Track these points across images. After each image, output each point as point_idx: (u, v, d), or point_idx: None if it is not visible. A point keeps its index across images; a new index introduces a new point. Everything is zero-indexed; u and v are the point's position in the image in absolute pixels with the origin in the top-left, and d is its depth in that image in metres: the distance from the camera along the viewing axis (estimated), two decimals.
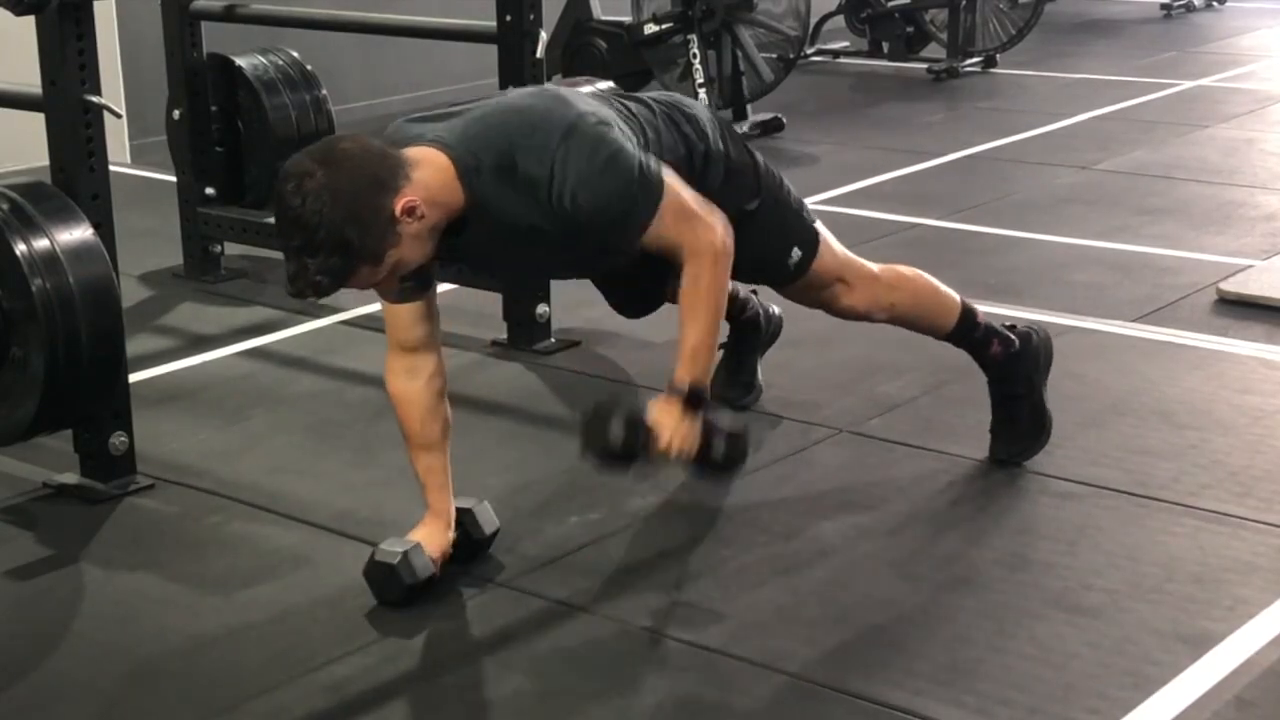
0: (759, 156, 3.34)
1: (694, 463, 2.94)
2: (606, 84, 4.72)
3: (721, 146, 3.21)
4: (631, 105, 3.14)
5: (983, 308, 3.60)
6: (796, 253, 3.33)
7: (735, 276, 3.75)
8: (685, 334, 2.96)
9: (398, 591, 2.98)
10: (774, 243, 3.32)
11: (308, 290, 2.72)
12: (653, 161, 2.91)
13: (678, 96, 3.30)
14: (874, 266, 3.46)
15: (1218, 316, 4.61)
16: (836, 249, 3.41)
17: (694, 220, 2.95)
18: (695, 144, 3.15)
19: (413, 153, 2.80)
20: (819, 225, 3.39)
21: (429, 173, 2.78)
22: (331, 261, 2.68)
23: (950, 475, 3.56)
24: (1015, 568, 3.15)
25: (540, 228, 2.86)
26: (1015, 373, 3.54)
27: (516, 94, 3.01)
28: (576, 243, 2.94)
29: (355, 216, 2.66)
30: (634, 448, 2.81)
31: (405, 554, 2.98)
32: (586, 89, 3.27)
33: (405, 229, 2.73)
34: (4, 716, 2.69)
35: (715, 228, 2.97)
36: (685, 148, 3.13)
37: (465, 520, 3.15)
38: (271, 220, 4.91)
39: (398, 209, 2.71)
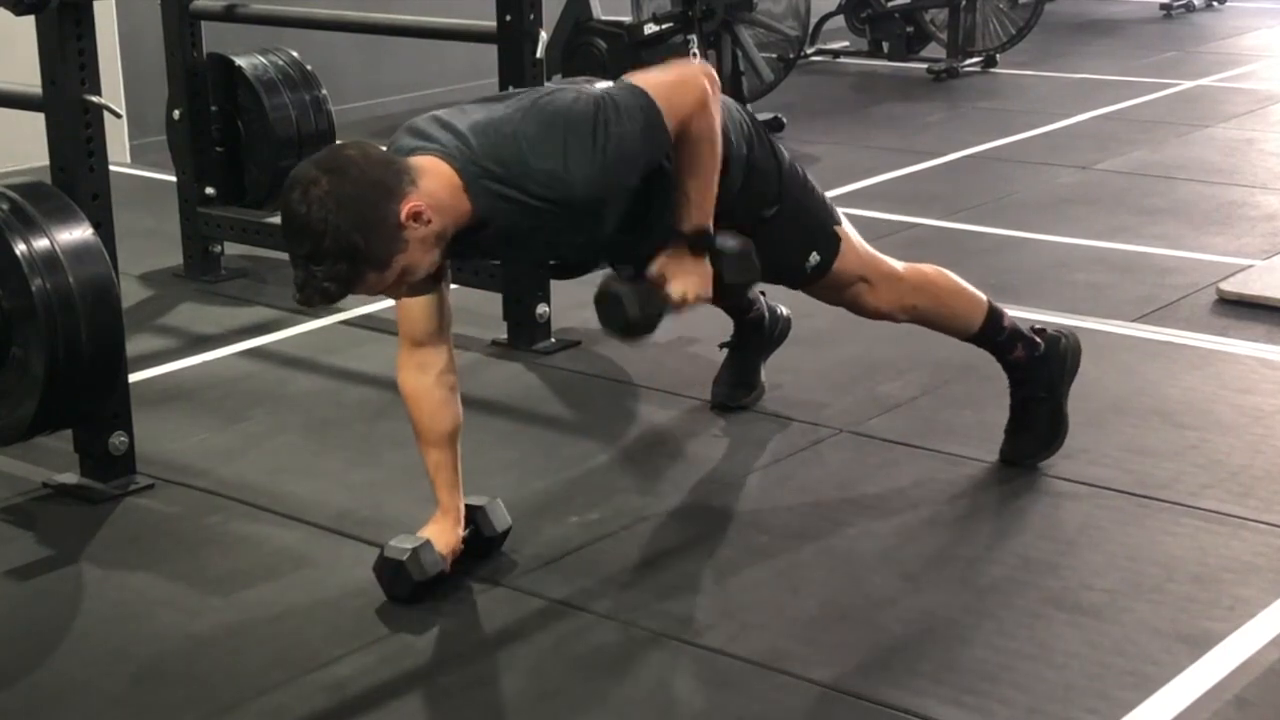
0: (785, 159, 3.31)
1: (715, 294, 2.95)
2: (605, 84, 4.74)
3: (745, 151, 3.19)
4: None
5: None
6: (815, 257, 3.32)
7: None
8: (684, 184, 2.94)
9: (406, 588, 2.98)
10: (792, 247, 3.31)
11: (316, 297, 2.73)
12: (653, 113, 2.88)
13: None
14: (899, 266, 3.44)
15: (1218, 316, 4.61)
16: (860, 249, 3.39)
17: (677, 84, 2.91)
18: None
19: (418, 160, 2.79)
20: (844, 226, 3.37)
21: (434, 182, 2.77)
22: (338, 268, 2.68)
23: (950, 475, 3.56)
24: (1015, 568, 3.15)
25: (549, 223, 2.85)
26: (1037, 377, 3.52)
27: (527, 97, 2.93)
28: (602, 209, 2.91)
29: (361, 223, 2.66)
30: (652, 313, 2.83)
31: (415, 551, 2.98)
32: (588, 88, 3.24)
33: (412, 234, 2.73)
34: (4, 716, 2.69)
35: (696, 74, 2.94)
36: None
37: (476, 518, 3.15)
38: (272, 220, 4.98)
39: (404, 214, 2.70)
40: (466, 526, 3.12)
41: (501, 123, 2.85)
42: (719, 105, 2.96)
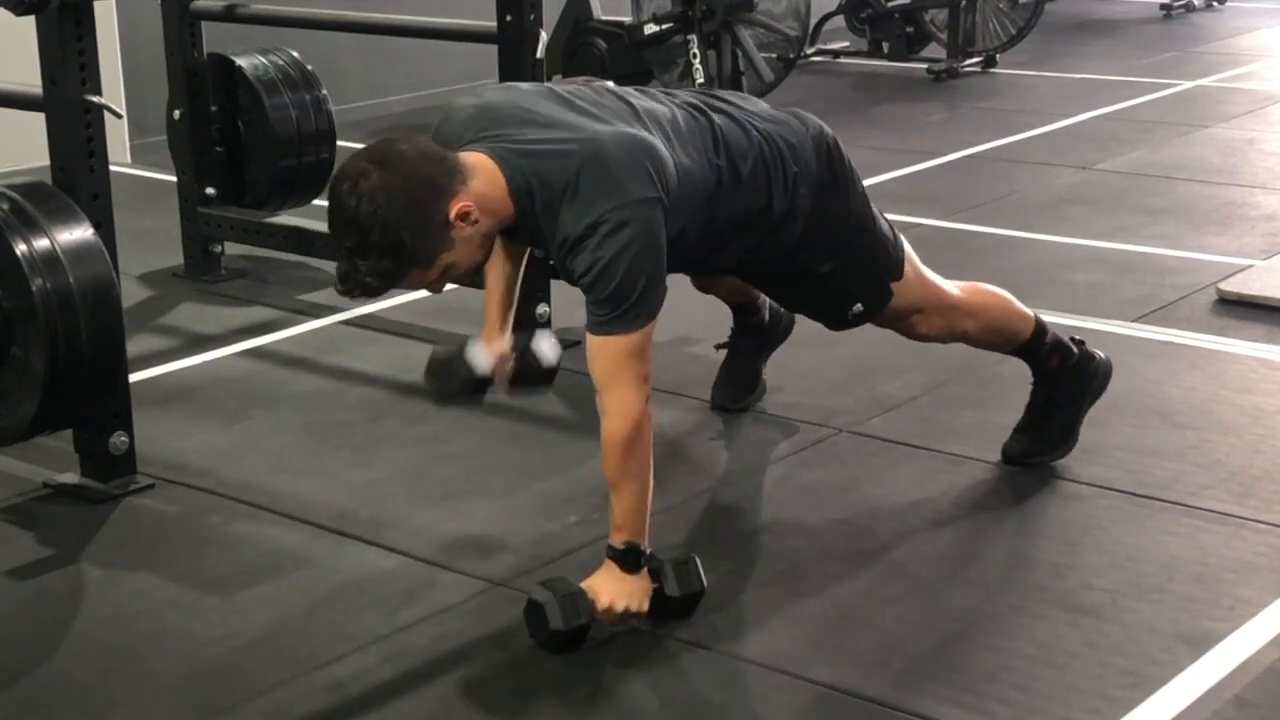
0: (855, 206, 3.22)
1: (653, 609, 2.89)
2: (606, 84, 4.74)
3: (809, 204, 3.12)
4: (727, 135, 3.00)
5: None
6: (859, 307, 3.29)
7: (785, 307, 3.72)
8: (613, 504, 2.87)
9: (456, 382, 3.06)
10: (837, 298, 3.30)
11: (357, 290, 2.72)
12: (658, 290, 2.80)
13: (801, 138, 3.12)
14: (956, 292, 3.41)
15: (1218, 316, 4.61)
16: (917, 286, 3.33)
17: (633, 371, 2.80)
18: (778, 200, 3.07)
19: (471, 158, 2.78)
20: (905, 274, 3.29)
21: (484, 182, 2.76)
22: (383, 264, 2.68)
23: (950, 475, 3.56)
24: (1015, 568, 3.15)
25: (550, 256, 2.87)
26: (1063, 385, 3.51)
27: (606, 132, 2.81)
28: None
29: (409, 220, 2.65)
30: (577, 625, 2.80)
31: (463, 346, 3.08)
32: (679, 98, 3.09)
33: (459, 233, 2.72)
34: (4, 716, 2.69)
35: (643, 393, 2.81)
36: (767, 197, 3.06)
37: (525, 351, 3.14)
38: (271, 220, 4.98)
39: (452, 214, 2.70)
40: (515, 356, 3.12)
41: (558, 156, 2.77)
42: (646, 443, 2.84)
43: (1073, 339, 3.54)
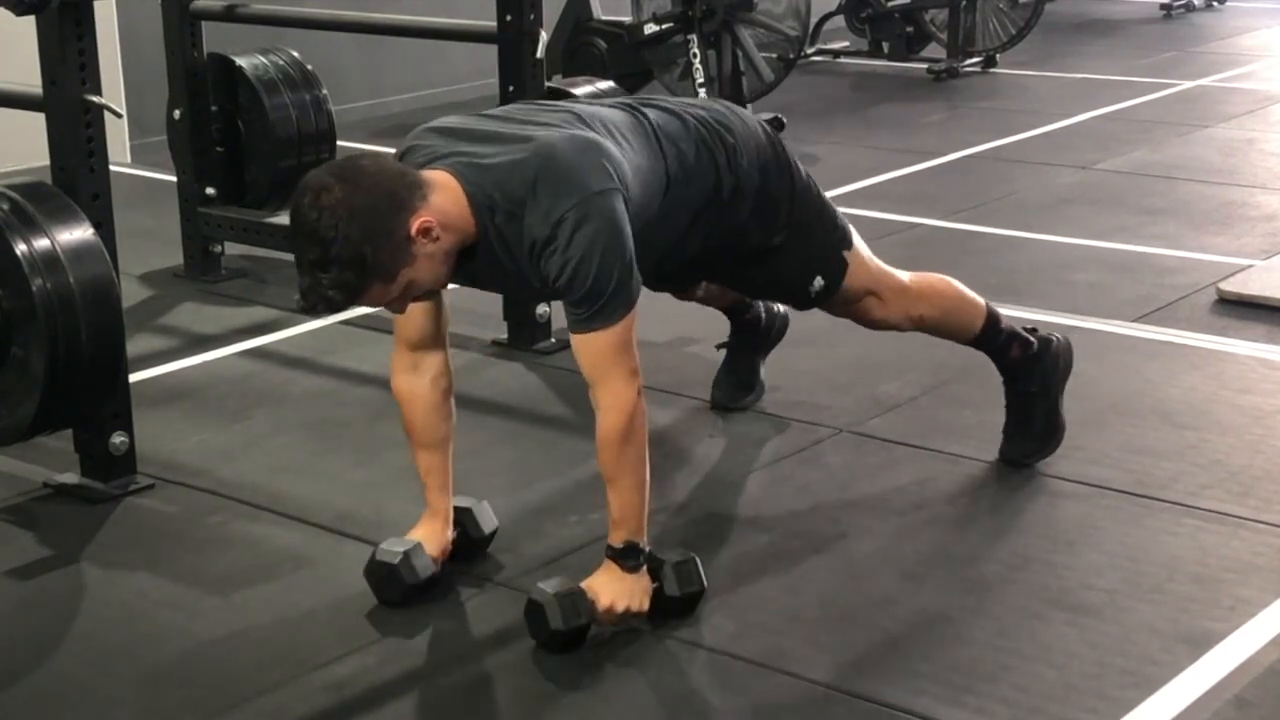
0: (800, 182, 3.27)
1: (653, 609, 2.90)
2: (607, 83, 4.74)
3: (756, 180, 3.15)
4: (664, 126, 3.03)
5: None
6: (819, 282, 3.32)
7: (751, 295, 3.75)
8: (611, 501, 2.87)
9: (398, 591, 2.99)
10: (797, 272, 3.32)
11: (320, 305, 2.71)
12: (632, 281, 2.80)
13: (729, 119, 3.16)
14: (905, 277, 3.44)
15: (1218, 316, 4.61)
16: (869, 264, 3.39)
17: (622, 364, 2.81)
18: (724, 176, 3.09)
19: (431, 175, 2.78)
20: (854, 245, 3.35)
21: (445, 198, 2.76)
22: (345, 277, 2.67)
23: (950, 475, 3.56)
24: (1015, 568, 3.15)
25: (525, 274, 2.85)
26: (1031, 374, 3.54)
27: (556, 135, 2.83)
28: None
29: (371, 234, 2.65)
30: (577, 625, 2.80)
31: (406, 554, 2.99)
32: (611, 100, 3.18)
33: (420, 249, 2.72)
34: (5, 716, 2.69)
35: (634, 385, 2.82)
36: (714, 176, 3.08)
37: (464, 520, 3.15)
38: (272, 220, 4.98)
39: (413, 229, 2.69)
40: (454, 528, 3.13)
41: (515, 167, 2.78)
42: (642, 434, 2.84)
43: (1026, 328, 3.57)
